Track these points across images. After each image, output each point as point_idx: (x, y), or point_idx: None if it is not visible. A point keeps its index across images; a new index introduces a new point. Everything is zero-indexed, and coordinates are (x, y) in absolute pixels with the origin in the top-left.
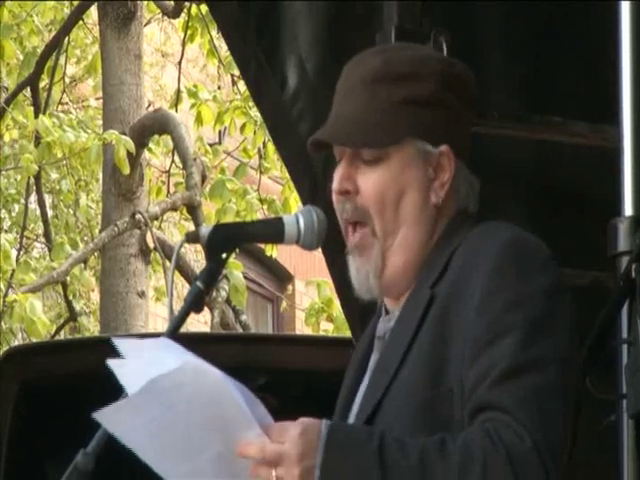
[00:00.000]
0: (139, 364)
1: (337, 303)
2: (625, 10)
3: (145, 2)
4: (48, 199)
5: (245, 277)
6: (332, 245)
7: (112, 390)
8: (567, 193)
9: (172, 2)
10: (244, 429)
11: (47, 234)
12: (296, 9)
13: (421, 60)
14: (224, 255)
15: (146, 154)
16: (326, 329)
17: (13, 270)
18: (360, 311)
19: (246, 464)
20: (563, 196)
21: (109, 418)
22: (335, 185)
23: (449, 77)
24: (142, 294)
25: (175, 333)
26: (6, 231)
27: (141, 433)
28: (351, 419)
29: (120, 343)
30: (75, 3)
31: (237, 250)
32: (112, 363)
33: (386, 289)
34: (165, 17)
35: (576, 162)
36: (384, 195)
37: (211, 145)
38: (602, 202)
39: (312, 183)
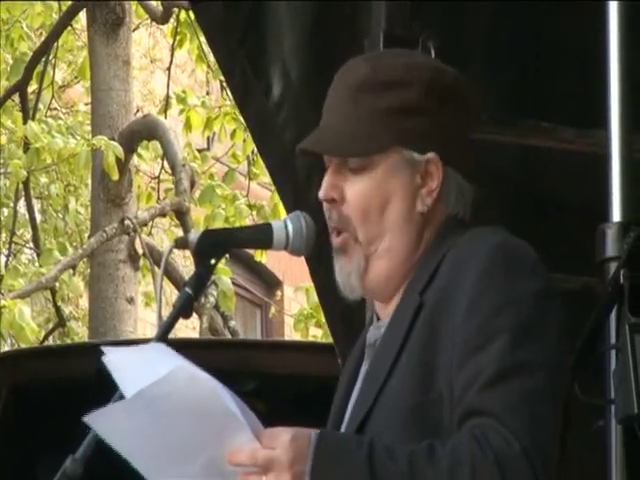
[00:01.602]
0: (132, 363)
1: None
2: (613, 14)
3: (134, 8)
4: (37, 204)
5: (234, 283)
6: (314, 253)
7: (102, 395)
8: (555, 198)
9: (161, 8)
10: (236, 434)
11: (36, 239)
12: (280, 16)
13: (409, 67)
14: (213, 261)
15: (135, 160)
16: (315, 335)
17: (2, 276)
18: (342, 319)
19: (236, 469)
20: (551, 201)
21: (99, 421)
22: (321, 193)
23: (437, 84)
24: (131, 300)
25: (164, 339)
26: None
27: (131, 438)
28: (342, 428)
29: (111, 350)
30: (64, 8)
31: (226, 256)
32: (107, 360)
33: (371, 292)
34: (154, 22)
35: (564, 167)
36: (367, 204)
37: (200, 151)
38: (590, 207)
39: (295, 191)
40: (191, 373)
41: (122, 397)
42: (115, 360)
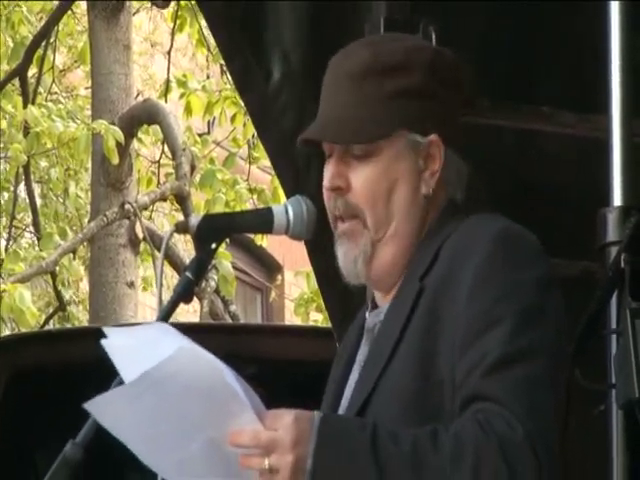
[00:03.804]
0: (133, 344)
1: None
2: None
3: None
4: (37, 188)
5: (234, 267)
6: (314, 237)
7: (103, 379)
8: (553, 183)
9: None
10: (238, 415)
11: (36, 224)
12: (281, 1)
13: (409, 51)
14: (213, 245)
15: (135, 144)
16: (315, 319)
17: (2, 260)
18: (341, 304)
19: (238, 451)
20: (549, 186)
21: (99, 408)
22: (326, 182)
23: (438, 66)
24: (131, 284)
25: (164, 323)
26: None
27: (132, 423)
28: (340, 412)
29: (113, 331)
30: None
31: (227, 240)
32: (106, 344)
33: (375, 279)
34: (154, 6)
35: (563, 152)
36: (375, 190)
37: (200, 135)
38: (590, 192)
39: (295, 175)
40: (195, 353)
41: (122, 382)
42: (115, 344)
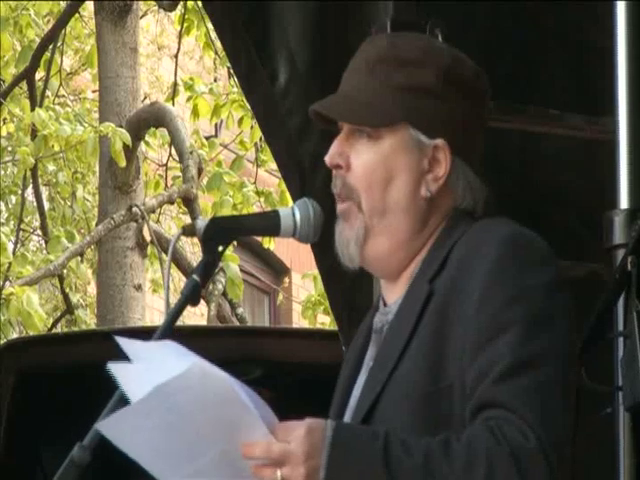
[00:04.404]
0: (142, 369)
1: None
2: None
3: None
4: (45, 191)
5: (242, 270)
6: (320, 239)
7: (110, 382)
8: (560, 185)
9: None
10: (250, 429)
11: (44, 227)
12: (286, 2)
13: (428, 50)
14: (220, 248)
15: (143, 147)
16: (323, 322)
17: (10, 263)
18: (347, 306)
19: (250, 463)
20: (555, 188)
21: (111, 427)
22: (327, 158)
23: (454, 71)
24: (139, 287)
25: (171, 326)
26: (3, 224)
27: (144, 440)
28: (348, 413)
29: (124, 344)
30: None
31: (234, 243)
32: (114, 369)
33: (371, 266)
34: (161, 9)
35: (570, 154)
36: (371, 176)
37: (207, 138)
38: (597, 194)
39: (301, 178)
40: (205, 370)
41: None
42: (122, 369)
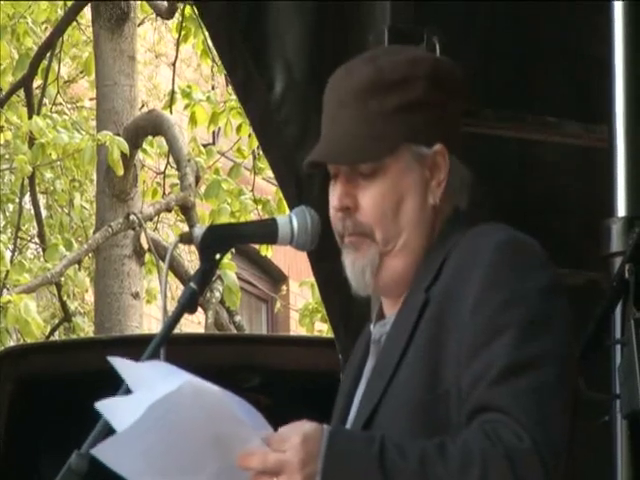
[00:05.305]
0: (131, 401)
1: None
2: (618, 8)
3: (139, 3)
4: (42, 199)
5: (239, 278)
6: (317, 247)
7: (107, 390)
8: (557, 193)
9: (165, 3)
10: (245, 442)
11: (41, 235)
12: (284, 12)
13: (412, 63)
14: (218, 256)
15: (140, 155)
16: (321, 329)
17: (7, 271)
18: (344, 315)
19: (247, 476)
20: (553, 196)
21: (107, 452)
22: (335, 203)
23: (439, 76)
24: (136, 295)
25: (169, 334)
26: (0, 232)
27: (139, 462)
28: (348, 424)
29: (117, 364)
30: (69, 4)
31: (232, 251)
32: (102, 405)
33: (384, 289)
34: (159, 17)
35: (567, 162)
36: (383, 207)
37: (205, 146)
38: (594, 202)
39: (298, 187)
40: (197, 387)
41: (129, 390)
42: (110, 403)
